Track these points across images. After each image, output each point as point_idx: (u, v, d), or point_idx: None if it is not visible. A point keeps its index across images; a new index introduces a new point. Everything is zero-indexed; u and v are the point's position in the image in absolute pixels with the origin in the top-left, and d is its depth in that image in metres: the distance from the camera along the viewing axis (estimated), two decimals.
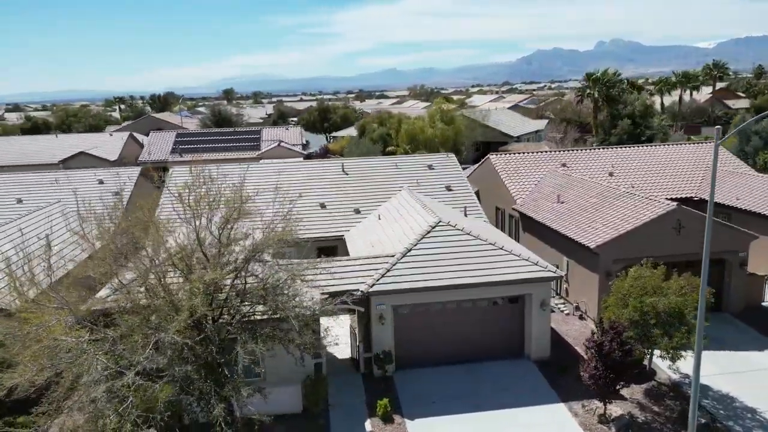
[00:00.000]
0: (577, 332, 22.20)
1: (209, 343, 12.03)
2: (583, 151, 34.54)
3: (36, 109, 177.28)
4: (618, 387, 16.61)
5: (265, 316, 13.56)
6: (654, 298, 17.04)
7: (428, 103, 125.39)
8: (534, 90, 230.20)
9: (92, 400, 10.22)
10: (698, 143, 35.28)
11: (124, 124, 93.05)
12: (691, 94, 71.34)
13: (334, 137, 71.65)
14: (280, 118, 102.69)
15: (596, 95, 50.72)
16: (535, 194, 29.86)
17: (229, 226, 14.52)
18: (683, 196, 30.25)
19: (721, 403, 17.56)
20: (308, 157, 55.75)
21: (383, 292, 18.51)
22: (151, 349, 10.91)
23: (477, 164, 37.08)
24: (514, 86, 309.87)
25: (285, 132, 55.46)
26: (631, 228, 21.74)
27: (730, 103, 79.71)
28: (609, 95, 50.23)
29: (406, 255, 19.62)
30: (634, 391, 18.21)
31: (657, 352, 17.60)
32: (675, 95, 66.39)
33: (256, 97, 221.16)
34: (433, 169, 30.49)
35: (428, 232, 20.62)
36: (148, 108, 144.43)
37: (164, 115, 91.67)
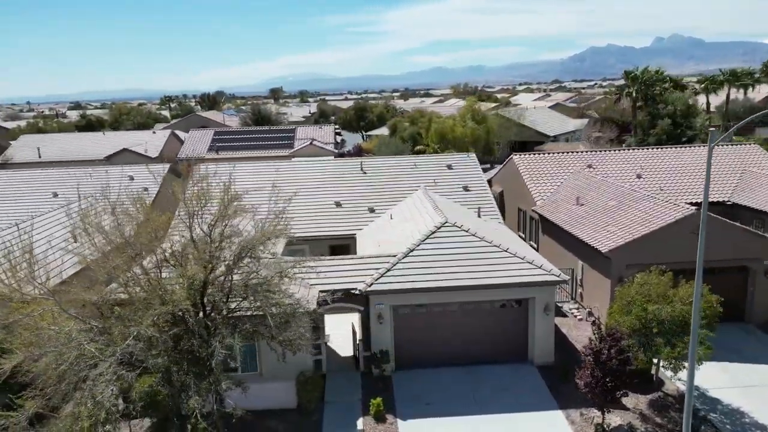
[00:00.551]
0: (588, 338, 21.58)
1: (192, 336, 12.42)
2: (612, 152, 33.51)
3: (96, 107, 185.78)
4: (617, 396, 16.10)
5: (249, 313, 13.85)
6: (657, 306, 16.44)
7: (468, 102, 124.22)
8: (583, 88, 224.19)
9: (74, 386, 10.78)
10: (736, 145, 33.59)
11: (173, 122, 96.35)
12: (745, 93, 67.78)
13: (369, 136, 72.06)
14: (321, 116, 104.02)
15: (634, 94, 48.99)
16: (556, 196, 29.20)
17: (223, 224, 14.88)
18: (714, 200, 28.91)
19: (730, 417, 16.76)
20: (340, 155, 56.33)
21: (382, 291, 18.57)
22: (131, 340, 11.35)
23: (502, 164, 36.54)
24: (563, 84, 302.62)
25: (318, 131, 56.17)
26: (646, 232, 21.00)
27: None
28: (648, 94, 48.38)
29: (408, 255, 19.60)
30: (639, 402, 17.62)
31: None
32: (724, 94, 63.20)
33: (303, 96, 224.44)
34: (452, 168, 30.29)
35: (433, 233, 20.54)
36: (198, 106, 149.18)
37: (209, 114, 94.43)
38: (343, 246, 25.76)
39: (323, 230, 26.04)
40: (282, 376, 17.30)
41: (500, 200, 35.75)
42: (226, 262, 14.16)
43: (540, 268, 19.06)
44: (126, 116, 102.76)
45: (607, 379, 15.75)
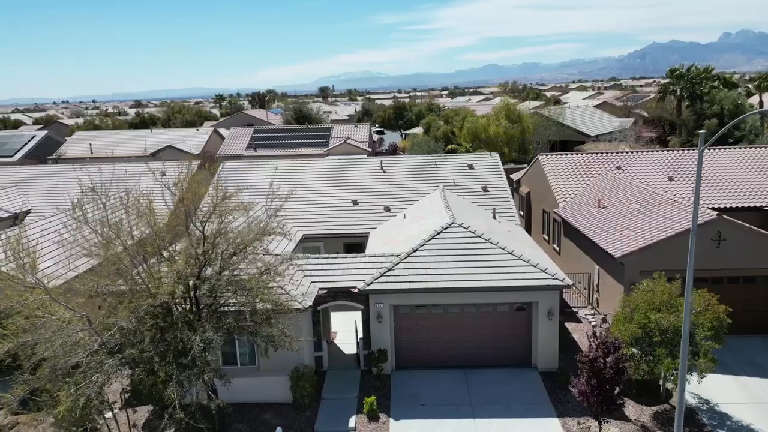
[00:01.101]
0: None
1: (175, 329, 12.87)
2: (643, 153, 32.23)
3: (155, 105, 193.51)
4: (613, 406, 15.59)
5: (233, 308, 14.19)
6: (660, 315, 15.79)
7: (514, 100, 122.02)
8: (640, 86, 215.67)
9: (62, 373, 11.43)
10: None
11: (221, 120, 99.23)
12: None
13: (407, 134, 72.02)
14: (365, 115, 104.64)
15: (679, 92, 46.76)
16: (580, 198, 28.40)
17: (219, 220, 15.30)
18: (752, 205, 27.41)
19: None
20: (376, 154, 56.58)
21: (381, 291, 18.62)
22: (115, 330, 11.90)
23: (529, 165, 35.80)
24: (618, 82, 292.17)
25: (354, 129, 56.57)
26: (662, 238, 20.15)
27: None
28: (694, 92, 46.06)
29: (411, 255, 19.57)
30: (642, 413, 16.97)
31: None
32: None
33: (351, 95, 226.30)
34: (473, 168, 29.93)
35: (438, 233, 20.42)
36: (248, 105, 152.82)
37: (255, 112, 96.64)
38: (357, 244, 25.92)
39: (338, 228, 26.29)
40: (279, 370, 17.63)
41: (527, 201, 35.09)
42: (219, 259, 14.58)
43: (544, 272, 18.64)
44: (178, 114, 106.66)
45: (606, 388, 15.30)
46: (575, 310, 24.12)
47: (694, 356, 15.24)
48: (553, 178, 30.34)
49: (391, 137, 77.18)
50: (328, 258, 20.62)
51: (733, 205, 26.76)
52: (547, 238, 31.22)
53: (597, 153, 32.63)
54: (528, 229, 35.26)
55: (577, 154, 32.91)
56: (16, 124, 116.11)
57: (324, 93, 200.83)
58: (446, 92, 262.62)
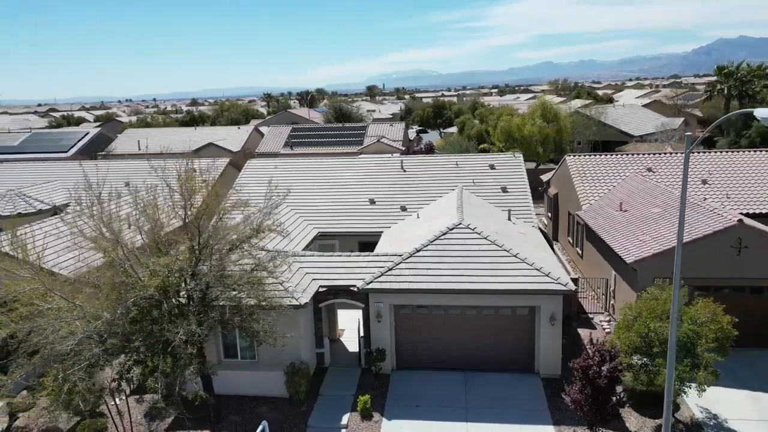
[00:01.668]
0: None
1: (163, 321, 13.35)
2: (677, 154, 30.83)
3: (210, 104, 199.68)
4: (608, 417, 15.10)
5: (221, 303, 14.55)
6: (660, 324, 15.14)
7: (561, 98, 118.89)
8: (701, 84, 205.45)
9: (47, 359, 12.09)
10: None
11: (267, 118, 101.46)
12: None
13: (445, 133, 71.48)
14: (407, 114, 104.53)
15: (726, 91, 44.33)
16: (604, 200, 27.50)
17: (218, 216, 15.74)
18: None
19: None
20: (413, 152, 56.48)
21: (380, 290, 18.64)
22: (103, 320, 12.47)
23: (558, 166, 34.90)
24: (680, 80, 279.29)
25: (389, 128, 56.63)
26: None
27: None
28: (744, 91, 43.55)
29: (413, 255, 19.50)
30: (644, 425, 16.33)
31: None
32: None
33: (399, 94, 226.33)
34: (495, 169, 29.46)
35: (444, 234, 20.26)
36: (296, 103, 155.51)
37: (300, 111, 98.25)
38: (371, 243, 25.93)
39: (354, 227, 26.45)
40: (276, 365, 17.96)
41: (555, 203, 34.26)
42: (210, 254, 14.99)
43: (547, 276, 18.18)
44: (226, 112, 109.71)
45: (600, 397, 14.85)
46: (591, 316, 23.40)
47: (695, 368, 14.54)
48: (579, 180, 29.50)
49: (432, 136, 76.83)
50: (332, 256, 20.83)
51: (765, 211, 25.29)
52: (571, 241, 30.42)
53: (627, 154, 31.49)
54: (555, 232, 34.46)
55: (607, 155, 31.82)
56: (78, 121, 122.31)
57: (372, 92, 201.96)
58: (496, 90, 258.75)
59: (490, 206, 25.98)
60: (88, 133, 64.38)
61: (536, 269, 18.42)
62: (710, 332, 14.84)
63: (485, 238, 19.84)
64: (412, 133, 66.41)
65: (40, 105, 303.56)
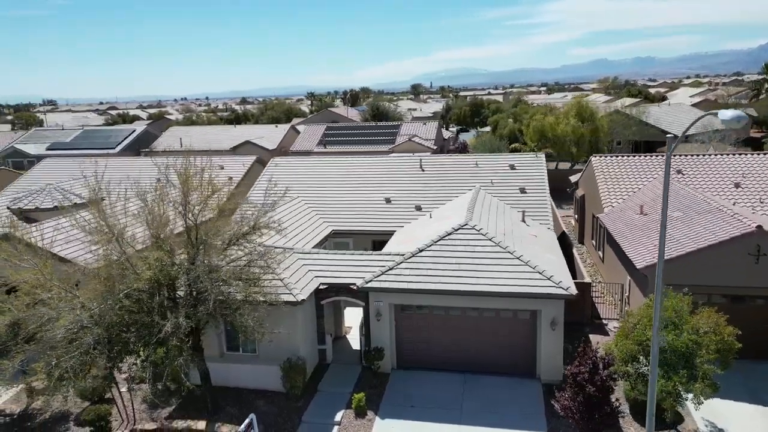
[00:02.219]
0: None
1: (152, 313, 13.86)
2: (709, 156, 29.47)
3: (258, 103, 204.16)
4: (600, 426, 14.66)
5: (207, 296, 14.91)
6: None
7: (608, 97, 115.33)
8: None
9: (42, 345, 12.80)
10: None
11: (309, 116, 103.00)
12: None
13: (481, 132, 70.65)
14: (448, 112, 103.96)
15: None
16: (627, 203, 26.61)
17: (204, 212, 16.09)
18: None
19: None
20: (448, 151, 56.13)
21: (379, 289, 18.69)
22: (94, 310, 13.09)
23: (585, 167, 33.96)
24: (742, 77, 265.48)
25: (422, 127, 56.44)
26: (690, 250, 18.47)
27: None
28: None
29: (416, 255, 19.45)
30: None
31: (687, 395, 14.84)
32: None
33: (444, 92, 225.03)
34: (515, 169, 28.96)
35: (449, 234, 20.13)
36: (340, 102, 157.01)
37: (339, 110, 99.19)
38: (385, 242, 26.05)
39: (368, 226, 26.59)
40: (276, 360, 18.28)
41: (581, 205, 33.38)
42: (203, 249, 15.41)
43: (549, 279, 17.78)
44: (270, 111, 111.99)
45: (591, 405, 14.46)
46: (605, 322, 22.72)
47: (692, 380, 13.93)
48: (603, 181, 28.65)
49: (471, 136, 76.09)
50: (336, 254, 21.03)
51: None
52: (594, 244, 29.58)
53: (655, 155, 30.32)
54: (581, 234, 33.59)
55: (634, 156, 30.74)
56: (133, 119, 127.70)
57: (416, 90, 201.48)
58: (544, 88, 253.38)
59: (506, 207, 25.57)
60: (134, 131, 67.09)
61: (538, 272, 18.04)
62: (711, 343, 14.18)
63: (489, 240, 19.58)
64: (447, 133, 65.90)
65: (101, 103, 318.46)
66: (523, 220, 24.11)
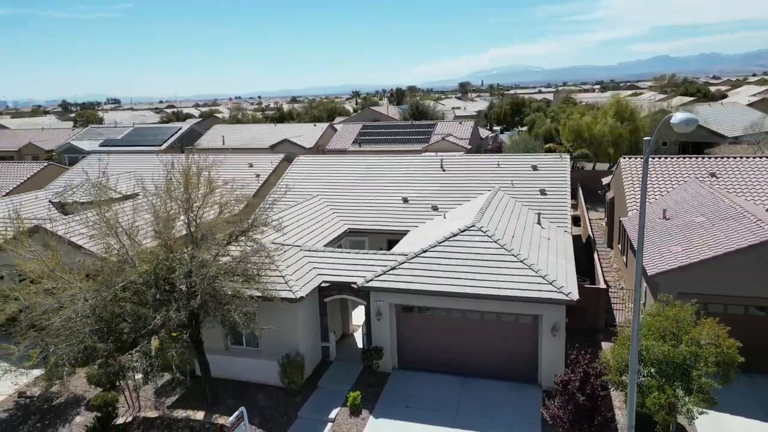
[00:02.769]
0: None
1: (147, 306, 14.42)
2: (747, 159, 27.90)
3: (307, 101, 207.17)
4: None
5: (196, 291, 15.30)
6: (653, 343, 13.98)
7: (662, 95, 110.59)
8: None
9: (44, 330, 13.54)
10: None
11: (352, 115, 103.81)
12: None
13: (521, 131, 69.20)
14: (490, 111, 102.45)
15: None
16: (654, 207, 25.54)
17: (202, 209, 16.55)
18: None
19: None
20: (477, 151, 55.43)
21: (379, 288, 18.72)
22: (91, 301, 13.74)
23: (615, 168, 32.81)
24: None
25: (458, 126, 55.96)
26: (705, 258, 17.60)
27: None
28: None
29: (419, 255, 19.38)
30: None
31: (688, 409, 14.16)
32: None
33: (492, 91, 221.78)
34: (537, 170, 28.32)
35: (455, 235, 19.96)
36: (385, 101, 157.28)
37: (381, 108, 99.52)
38: (399, 241, 26.08)
39: (383, 224, 26.64)
40: (277, 355, 18.63)
41: (611, 207, 32.30)
42: (197, 243, 15.85)
43: (551, 284, 17.34)
44: (316, 110, 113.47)
45: (581, 415, 14.05)
46: (621, 328, 21.88)
47: (687, 394, 13.29)
48: (630, 184, 27.63)
49: (511, 135, 74.79)
50: (342, 252, 21.19)
51: None
52: (620, 248, 28.57)
53: (689, 158, 28.99)
54: (610, 239, 32.50)
55: (666, 157, 29.48)
56: (186, 117, 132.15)
57: (464, 88, 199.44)
58: (598, 87, 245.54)
59: (522, 208, 25.06)
60: (180, 129, 69.56)
61: (540, 276, 17.64)
62: (712, 356, 13.48)
63: (495, 242, 19.28)
64: (485, 132, 64.99)
65: (161, 102, 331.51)
66: (539, 222, 23.57)
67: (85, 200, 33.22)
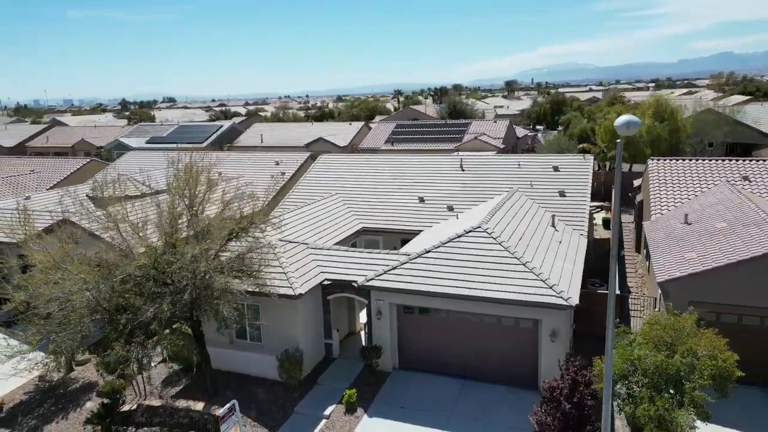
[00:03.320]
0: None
1: (142, 298, 14.96)
2: None
3: (350, 100, 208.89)
4: None
5: (186, 286, 15.67)
6: (646, 352, 13.47)
7: (718, 94, 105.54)
8: None
9: (47, 320, 14.27)
10: None
11: (392, 114, 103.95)
12: None
13: (558, 131, 67.51)
14: (532, 109, 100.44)
15: None
16: (677, 211, 24.51)
17: (202, 205, 17.00)
18: None
19: None
20: (513, 151, 54.50)
21: (379, 288, 18.74)
22: (92, 291, 14.38)
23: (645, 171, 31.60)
24: None
25: (492, 125, 55.19)
26: (719, 265, 16.77)
27: None
28: None
29: (422, 255, 19.28)
30: None
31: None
32: None
33: (540, 89, 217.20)
34: (558, 171, 27.63)
35: (459, 236, 19.77)
36: (429, 100, 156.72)
37: (419, 107, 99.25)
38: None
39: (398, 224, 26.61)
40: (277, 350, 18.93)
41: (639, 210, 31.18)
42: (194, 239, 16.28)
43: (551, 288, 16.93)
44: (356, 108, 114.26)
45: (569, 423, 13.69)
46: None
47: (679, 406, 12.72)
48: (655, 187, 26.62)
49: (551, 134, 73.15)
50: (348, 251, 21.30)
51: None
52: (645, 253, 27.52)
53: (719, 160, 27.61)
54: (638, 243, 31.35)
55: (696, 159, 28.20)
56: (232, 116, 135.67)
57: (510, 87, 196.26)
58: (653, 85, 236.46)
59: (538, 210, 24.51)
60: (221, 127, 71.39)
61: (541, 280, 17.24)
62: (708, 368, 12.86)
63: (499, 244, 18.97)
64: (522, 131, 63.80)
65: (213, 101, 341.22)
66: (553, 225, 23.01)
67: (106, 195, 34.89)
